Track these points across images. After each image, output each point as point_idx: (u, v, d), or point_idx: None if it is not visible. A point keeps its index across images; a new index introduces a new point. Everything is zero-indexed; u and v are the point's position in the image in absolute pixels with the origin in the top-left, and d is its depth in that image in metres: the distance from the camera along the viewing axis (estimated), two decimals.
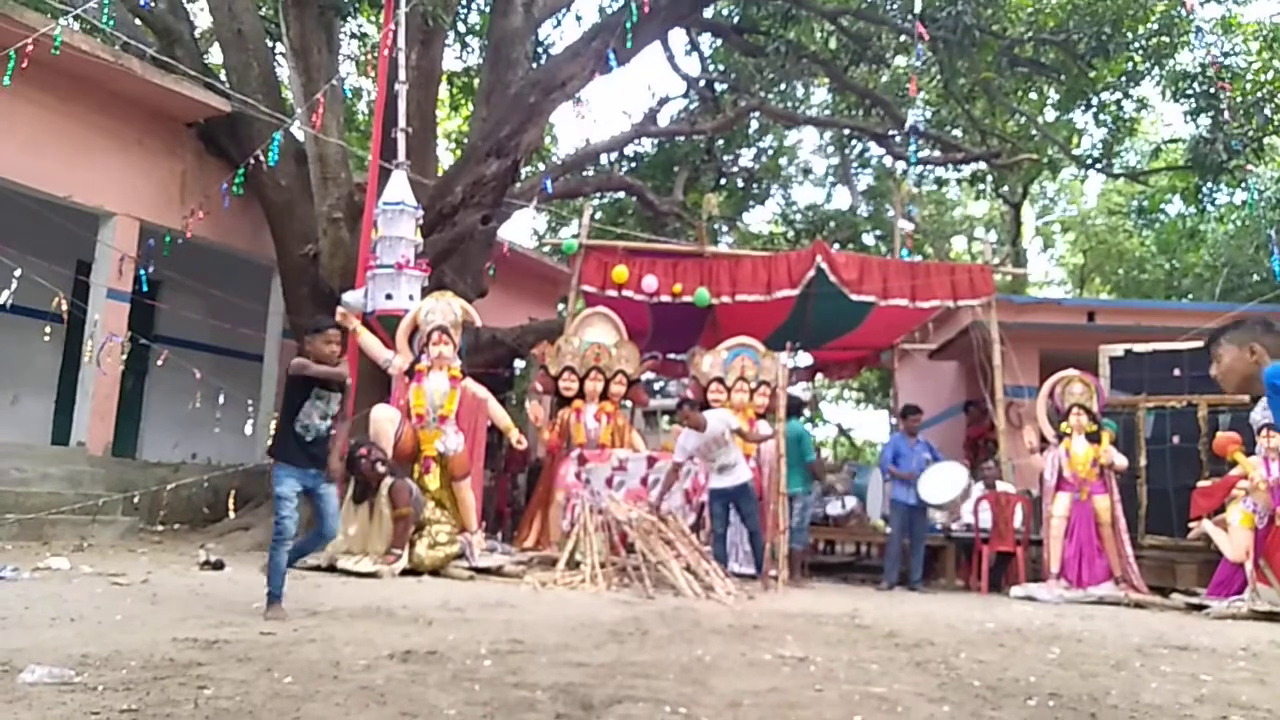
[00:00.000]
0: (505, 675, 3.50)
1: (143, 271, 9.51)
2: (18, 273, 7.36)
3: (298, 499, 4.88)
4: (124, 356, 9.10)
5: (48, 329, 8.01)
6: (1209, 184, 13.13)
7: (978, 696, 3.53)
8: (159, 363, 8.73)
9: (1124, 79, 12.91)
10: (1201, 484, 8.24)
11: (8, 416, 9.90)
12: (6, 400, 10.05)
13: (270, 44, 11.69)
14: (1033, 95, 14.87)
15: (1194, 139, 12.24)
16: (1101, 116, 13.64)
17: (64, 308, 7.62)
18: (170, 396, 10.93)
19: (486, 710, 2.93)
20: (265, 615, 4.56)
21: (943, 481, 8.65)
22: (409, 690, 3.16)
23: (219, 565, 6.63)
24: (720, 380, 9.19)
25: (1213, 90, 11.45)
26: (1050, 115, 15.53)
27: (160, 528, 9.25)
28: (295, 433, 4.83)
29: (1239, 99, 11.75)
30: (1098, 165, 14.85)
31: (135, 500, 8.44)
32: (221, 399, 8.88)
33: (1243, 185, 12.66)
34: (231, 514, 9.13)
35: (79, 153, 9.29)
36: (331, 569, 6.79)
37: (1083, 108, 13.86)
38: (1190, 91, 11.96)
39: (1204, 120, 11.99)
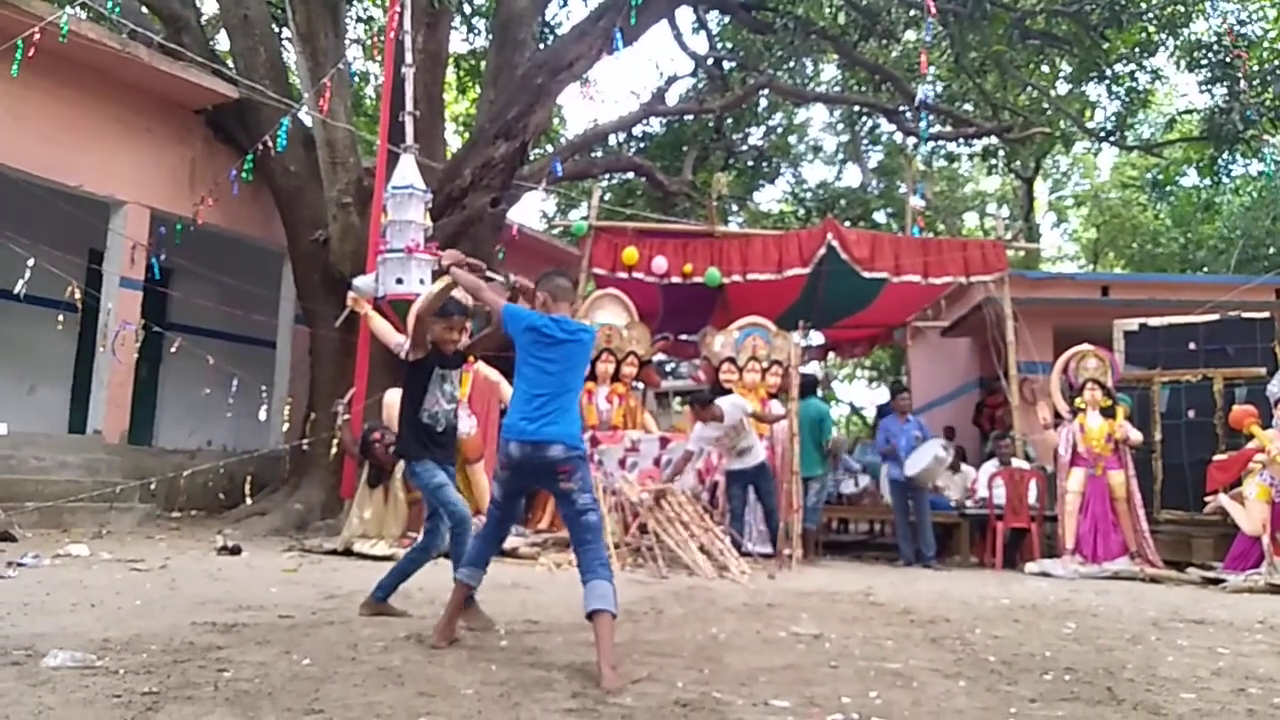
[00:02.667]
0: (522, 655, 3.52)
1: (154, 259, 9.55)
2: (31, 262, 7.41)
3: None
4: (138, 344, 9.15)
5: (61, 318, 8.05)
6: (1224, 155, 12.97)
7: (993, 671, 3.53)
8: (173, 350, 8.77)
9: (1137, 50, 12.73)
10: (1217, 458, 8.18)
11: (25, 405, 9.97)
12: (23, 389, 10.13)
13: (277, 29, 11.68)
14: (1045, 68, 14.67)
15: (1209, 109, 12.08)
16: (1115, 88, 13.44)
17: (77, 296, 7.66)
18: (184, 383, 10.99)
19: (504, 690, 2.94)
20: (464, 627, 3.90)
21: (918, 455, 8.69)
22: (426, 671, 3.18)
23: (236, 550, 6.69)
24: (732, 360, 9.19)
25: (1228, 59, 11.29)
26: (1063, 88, 15.33)
27: (177, 514, 9.33)
28: (424, 424, 4.20)
29: (1255, 68, 11.58)
30: (1111, 138, 14.66)
31: (152, 487, 8.52)
32: (235, 385, 8.93)
33: (1259, 156, 12.51)
34: (248, 499, 9.20)
35: (88, 141, 9.32)
36: (348, 553, 6.85)
37: (1096, 80, 13.66)
38: (1205, 61, 11.79)
39: (1219, 90, 11.82)
